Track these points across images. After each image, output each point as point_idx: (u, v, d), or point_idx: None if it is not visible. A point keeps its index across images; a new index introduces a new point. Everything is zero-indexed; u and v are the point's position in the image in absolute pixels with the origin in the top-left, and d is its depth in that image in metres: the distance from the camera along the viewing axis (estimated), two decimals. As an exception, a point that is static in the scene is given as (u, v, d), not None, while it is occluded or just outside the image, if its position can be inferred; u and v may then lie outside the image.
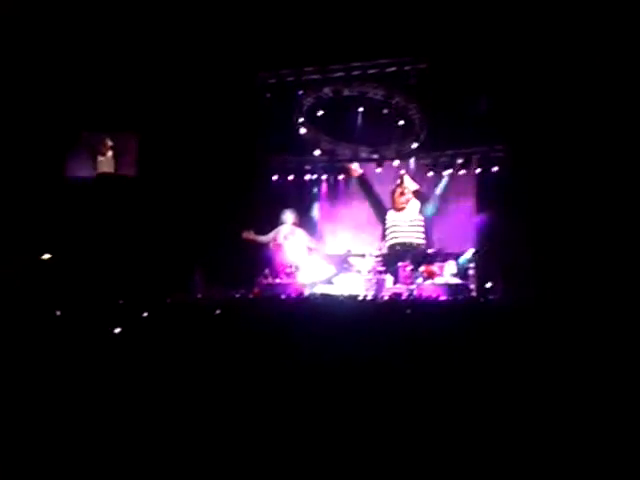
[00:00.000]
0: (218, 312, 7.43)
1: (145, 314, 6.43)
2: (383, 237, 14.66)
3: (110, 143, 14.10)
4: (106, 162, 14.09)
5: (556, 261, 11.51)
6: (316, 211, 15.18)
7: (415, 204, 14.48)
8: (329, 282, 13.55)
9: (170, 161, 13.55)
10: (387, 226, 14.64)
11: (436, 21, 11.81)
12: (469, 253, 13.54)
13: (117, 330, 5.21)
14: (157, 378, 3.73)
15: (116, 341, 5.11)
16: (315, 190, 15.22)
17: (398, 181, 14.55)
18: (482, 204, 13.89)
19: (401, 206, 14.49)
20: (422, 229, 14.39)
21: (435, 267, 13.41)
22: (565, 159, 11.96)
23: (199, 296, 12.67)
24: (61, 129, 13.38)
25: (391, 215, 14.65)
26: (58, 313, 6.27)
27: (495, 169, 13.85)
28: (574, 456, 2.56)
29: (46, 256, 12.29)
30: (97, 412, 3.12)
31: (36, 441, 2.73)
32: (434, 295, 12.30)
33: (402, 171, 14.51)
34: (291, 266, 13.99)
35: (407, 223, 14.41)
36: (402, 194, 14.47)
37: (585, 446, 2.64)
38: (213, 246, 13.35)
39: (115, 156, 14.13)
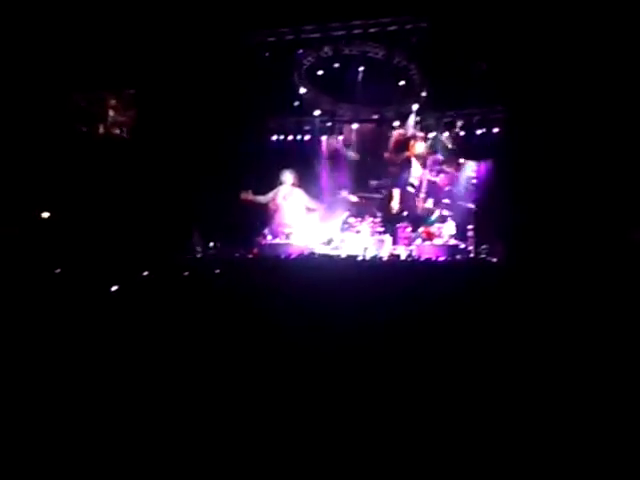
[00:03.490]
0: (217, 271, 7.47)
1: (146, 273, 6.46)
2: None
3: (111, 101, 13.95)
4: (106, 119, 13.96)
5: (554, 223, 11.52)
6: (316, 172, 15.09)
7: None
8: (329, 242, 13.56)
9: (169, 121, 13.42)
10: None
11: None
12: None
13: (114, 288, 5.23)
14: (158, 336, 3.76)
15: (117, 299, 5.14)
16: (315, 151, 15.11)
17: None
18: (482, 165, 13.86)
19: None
20: None
21: (434, 228, 13.44)
22: (564, 120, 11.89)
23: (198, 256, 12.71)
24: (60, 88, 13.25)
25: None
26: (58, 271, 6.30)
27: (496, 130, 13.79)
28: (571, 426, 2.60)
29: (45, 214, 12.29)
30: (96, 367, 3.16)
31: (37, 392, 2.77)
32: (433, 256, 12.37)
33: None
34: (290, 226, 14.00)
35: None
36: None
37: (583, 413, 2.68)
38: (212, 206, 13.32)
39: (115, 114, 13.99)
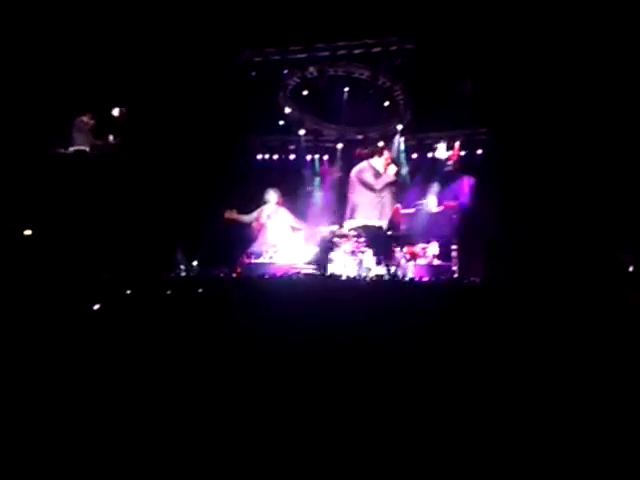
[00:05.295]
0: (200, 291, 7.43)
1: (128, 291, 6.41)
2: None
3: (92, 119, 13.87)
4: (88, 137, 13.88)
5: (538, 243, 11.59)
6: (300, 191, 15.16)
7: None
8: (314, 262, 13.53)
9: (153, 139, 13.40)
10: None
11: (423, 1, 11.74)
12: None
13: (96, 307, 5.19)
14: (142, 355, 3.72)
15: (98, 318, 5.09)
16: (300, 170, 15.24)
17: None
18: (466, 186, 13.94)
19: None
20: None
21: (418, 248, 13.45)
22: (548, 142, 12.01)
23: (182, 275, 12.64)
24: (45, 104, 13.21)
25: None
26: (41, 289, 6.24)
27: (479, 152, 13.98)
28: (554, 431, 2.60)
29: (28, 232, 12.17)
30: (78, 385, 3.11)
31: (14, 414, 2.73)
32: (417, 276, 12.38)
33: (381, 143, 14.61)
34: (274, 246, 13.96)
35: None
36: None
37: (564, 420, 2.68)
38: (195, 225, 13.27)
39: (96, 132, 13.92)
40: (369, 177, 14.15)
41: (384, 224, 13.99)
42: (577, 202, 11.56)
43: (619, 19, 10.78)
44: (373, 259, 13.23)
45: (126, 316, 5.20)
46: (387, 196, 14.34)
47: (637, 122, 11.28)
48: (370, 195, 14.23)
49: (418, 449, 2.51)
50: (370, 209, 14.17)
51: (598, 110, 11.43)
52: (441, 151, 14.31)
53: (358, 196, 14.26)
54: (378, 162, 14.35)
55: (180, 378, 3.32)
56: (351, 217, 14.29)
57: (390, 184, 14.29)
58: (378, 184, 14.12)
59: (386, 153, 14.39)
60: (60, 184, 12.85)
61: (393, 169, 14.15)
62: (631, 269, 10.15)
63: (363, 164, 14.48)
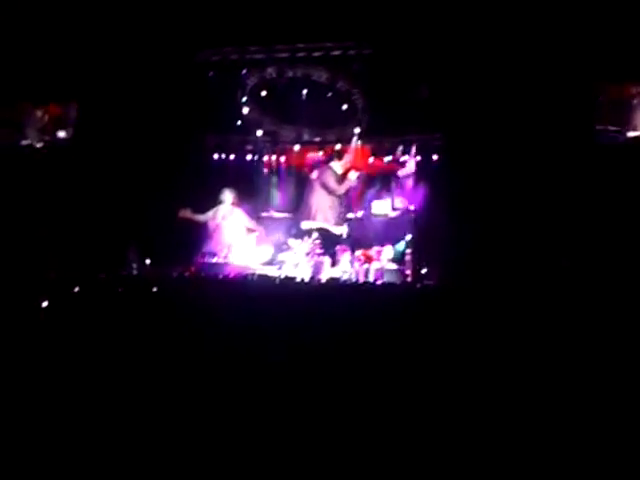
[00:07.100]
0: (155, 290, 7.35)
1: (77, 289, 6.30)
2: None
3: (45, 114, 13.60)
4: (40, 133, 13.60)
5: (491, 248, 11.76)
6: (257, 191, 15.12)
7: None
8: (269, 263, 13.51)
9: (107, 135, 13.22)
10: None
11: (382, 7, 11.83)
12: (402, 243, 13.69)
13: (45, 304, 5.09)
14: (92, 354, 3.66)
15: (46, 316, 4.99)
16: (257, 170, 15.21)
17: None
18: (420, 190, 14.08)
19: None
20: None
21: (372, 252, 13.51)
22: (502, 149, 12.21)
23: (134, 273, 12.47)
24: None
25: None
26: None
27: (435, 157, 14.14)
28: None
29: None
30: (25, 386, 3.05)
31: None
32: (371, 279, 12.44)
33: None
34: (229, 246, 13.87)
35: None
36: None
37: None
38: (149, 223, 13.11)
39: (50, 126, 13.66)
40: (332, 182, 14.09)
41: (342, 229, 14.08)
42: (530, 206, 11.76)
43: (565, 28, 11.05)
44: (348, 262, 13.27)
45: (77, 314, 5.12)
46: (345, 200, 14.40)
47: (585, 131, 11.58)
48: (330, 199, 14.20)
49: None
50: (330, 213, 14.15)
51: (552, 116, 11.68)
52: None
53: (318, 199, 14.20)
54: (338, 166, 14.29)
55: (132, 377, 3.28)
56: (309, 219, 14.25)
57: (351, 189, 14.34)
58: (341, 189, 14.10)
59: (346, 157, 14.37)
60: (8, 179, 12.58)
61: (354, 174, 14.15)
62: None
63: (325, 168, 14.38)
